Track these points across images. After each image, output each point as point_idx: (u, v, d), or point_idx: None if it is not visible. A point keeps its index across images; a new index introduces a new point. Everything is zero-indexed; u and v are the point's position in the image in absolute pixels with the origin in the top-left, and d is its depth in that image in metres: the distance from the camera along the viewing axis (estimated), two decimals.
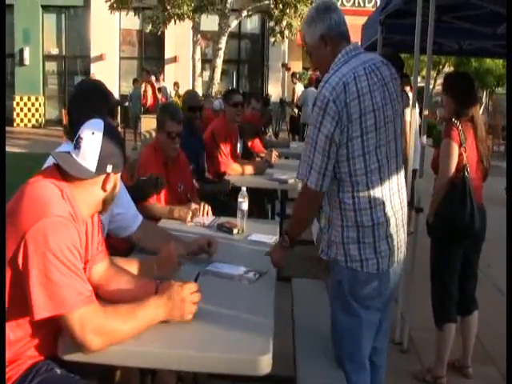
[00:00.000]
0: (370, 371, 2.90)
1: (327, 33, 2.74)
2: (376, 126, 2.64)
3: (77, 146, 2.25)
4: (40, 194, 2.13)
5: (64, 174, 2.23)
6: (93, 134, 2.25)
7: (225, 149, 6.19)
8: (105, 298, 2.36)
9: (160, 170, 4.25)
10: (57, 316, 2.01)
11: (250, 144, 7.56)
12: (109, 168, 2.26)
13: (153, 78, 18.14)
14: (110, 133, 2.28)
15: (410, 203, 4.29)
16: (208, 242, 3.13)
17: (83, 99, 2.97)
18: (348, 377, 2.79)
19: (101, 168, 2.25)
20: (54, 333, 2.14)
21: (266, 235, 3.61)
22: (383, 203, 2.69)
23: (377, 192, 2.67)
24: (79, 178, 2.23)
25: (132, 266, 2.83)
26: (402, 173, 2.89)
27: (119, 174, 2.37)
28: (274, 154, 7.04)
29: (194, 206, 4.01)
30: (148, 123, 14.90)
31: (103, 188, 2.30)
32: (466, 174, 3.91)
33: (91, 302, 2.09)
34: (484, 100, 28.23)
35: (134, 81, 19.02)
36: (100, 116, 2.84)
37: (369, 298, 2.74)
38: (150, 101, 17.51)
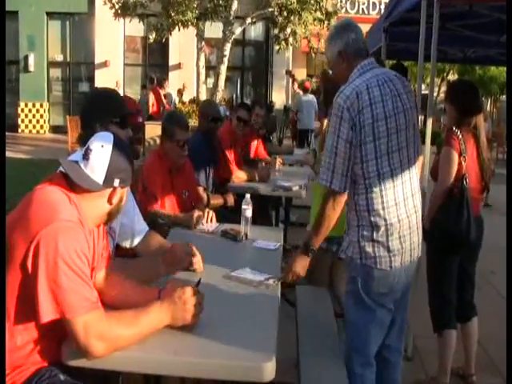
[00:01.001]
0: (384, 369, 3.12)
1: (344, 49, 2.99)
2: (388, 132, 2.83)
3: (85, 157, 2.25)
4: (49, 199, 2.15)
5: (71, 183, 2.24)
6: (102, 146, 2.26)
7: (229, 155, 6.19)
8: (107, 303, 2.36)
9: (165, 177, 4.25)
10: (62, 320, 2.03)
11: (254, 151, 7.55)
12: (116, 182, 2.27)
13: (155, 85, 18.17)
14: (119, 147, 2.28)
15: None
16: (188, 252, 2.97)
17: (95, 105, 2.99)
18: (353, 369, 2.96)
19: (108, 181, 2.26)
20: (59, 339, 2.14)
21: (270, 242, 3.61)
22: (396, 205, 2.86)
23: (389, 194, 2.86)
24: (86, 189, 2.24)
25: (138, 264, 2.85)
26: (416, 178, 3.03)
27: (126, 189, 2.38)
28: (278, 160, 7.04)
29: (197, 212, 4.01)
30: (152, 130, 14.90)
31: (109, 201, 2.31)
32: (465, 183, 3.90)
33: (97, 308, 2.09)
34: (488, 108, 28.22)
35: (143, 87, 19.03)
36: (112, 123, 2.87)
37: (381, 294, 2.91)
38: (151, 108, 17.52)
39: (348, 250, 2.94)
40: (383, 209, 2.84)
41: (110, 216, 2.38)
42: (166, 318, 2.22)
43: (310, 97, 15.29)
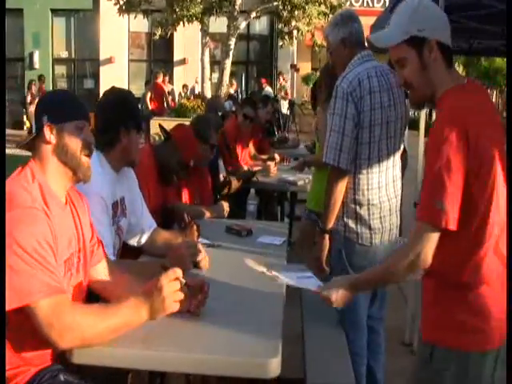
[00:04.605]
0: (370, 335, 3.40)
1: (348, 37, 3.20)
2: (382, 120, 3.06)
3: None
4: (7, 190, 2.08)
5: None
6: None
7: (234, 150, 6.17)
8: (111, 300, 2.33)
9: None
10: (25, 309, 1.96)
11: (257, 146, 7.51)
12: (44, 119, 2.21)
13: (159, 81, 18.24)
14: (56, 91, 2.28)
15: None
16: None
17: (122, 109, 3.02)
18: (347, 334, 3.24)
19: (38, 124, 2.22)
20: None
21: (275, 237, 3.59)
22: (378, 189, 3.12)
23: (375, 178, 3.11)
24: (28, 144, 2.25)
25: (144, 266, 2.83)
26: (398, 166, 3.30)
27: (70, 125, 2.25)
28: (272, 166, 6.49)
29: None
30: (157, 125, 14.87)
31: (46, 141, 2.21)
32: None
33: (59, 292, 2.01)
34: (494, 99, 28.11)
35: (147, 83, 19.04)
36: (133, 128, 2.98)
37: (362, 267, 3.01)
38: (152, 104, 17.55)
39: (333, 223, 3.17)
40: (368, 190, 3.10)
41: (68, 166, 2.24)
42: (144, 311, 2.07)
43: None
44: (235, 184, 5.44)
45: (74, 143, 2.25)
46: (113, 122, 2.94)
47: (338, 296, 2.28)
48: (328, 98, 4.20)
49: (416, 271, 2.09)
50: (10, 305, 1.94)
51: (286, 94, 20.23)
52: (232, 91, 18.46)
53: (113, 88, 3.19)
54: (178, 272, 2.13)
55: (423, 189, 2.06)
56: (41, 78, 20.81)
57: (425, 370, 2.16)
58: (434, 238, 2.00)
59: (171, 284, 2.09)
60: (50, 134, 2.21)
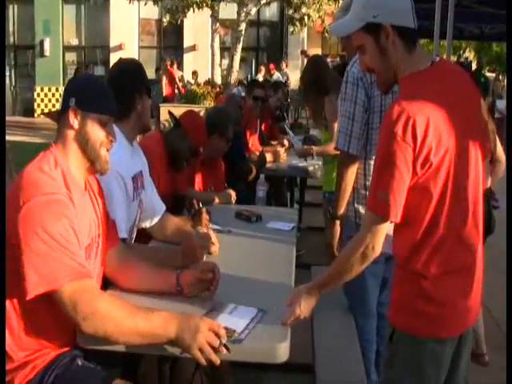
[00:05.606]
0: (379, 321, 3.32)
1: None
2: None
3: None
4: (30, 177, 2.10)
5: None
6: None
7: (244, 136, 6.15)
8: (124, 286, 2.36)
9: (195, 167, 4.24)
10: (50, 294, 1.98)
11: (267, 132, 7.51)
12: (72, 101, 2.23)
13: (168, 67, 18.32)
14: (85, 75, 2.30)
15: None
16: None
17: (133, 77, 3.06)
18: (356, 321, 3.21)
19: (65, 103, 2.24)
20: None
21: (285, 223, 3.60)
22: None
23: None
24: (54, 117, 2.30)
25: (157, 252, 2.83)
26: None
27: (92, 117, 2.26)
28: (282, 152, 6.34)
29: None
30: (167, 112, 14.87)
31: (69, 125, 2.23)
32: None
33: (85, 276, 2.03)
34: (506, 85, 27.94)
35: (157, 69, 19.08)
36: (144, 93, 3.02)
37: None
38: (166, 90, 17.61)
39: (345, 209, 3.16)
40: None
41: (86, 153, 2.26)
42: (173, 328, 1.99)
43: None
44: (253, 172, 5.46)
45: (96, 134, 2.27)
46: (128, 91, 2.96)
47: (301, 309, 2.23)
48: (334, 88, 4.22)
49: (369, 261, 2.12)
50: (37, 290, 1.96)
51: (287, 79, 20.00)
52: (261, 77, 18.37)
53: (120, 59, 3.22)
54: (220, 330, 2.00)
55: (372, 177, 2.09)
56: (88, 66, 20.87)
57: (388, 350, 2.27)
58: (381, 228, 2.05)
59: (209, 335, 1.97)
60: (73, 118, 2.23)
